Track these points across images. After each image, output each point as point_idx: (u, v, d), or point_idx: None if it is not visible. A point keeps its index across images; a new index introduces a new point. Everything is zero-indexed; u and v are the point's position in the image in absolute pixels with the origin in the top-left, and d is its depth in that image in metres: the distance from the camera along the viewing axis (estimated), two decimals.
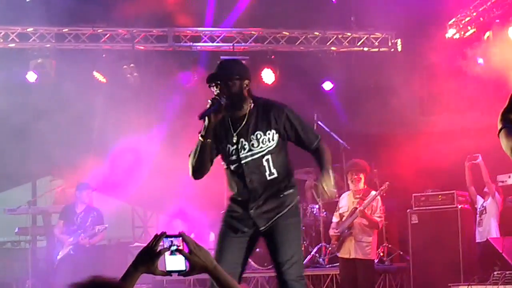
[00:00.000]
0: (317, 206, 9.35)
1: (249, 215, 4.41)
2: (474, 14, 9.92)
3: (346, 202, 7.98)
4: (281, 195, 4.42)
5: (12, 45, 10.52)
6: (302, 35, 11.01)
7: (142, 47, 10.87)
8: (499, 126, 3.04)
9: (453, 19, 10.18)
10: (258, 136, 4.36)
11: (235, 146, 4.38)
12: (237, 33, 10.99)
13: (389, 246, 9.32)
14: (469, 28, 10.09)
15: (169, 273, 2.46)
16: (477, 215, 8.39)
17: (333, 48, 11.08)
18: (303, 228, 8.52)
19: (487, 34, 9.42)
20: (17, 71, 10.39)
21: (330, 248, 8.68)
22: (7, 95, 9.93)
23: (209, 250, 2.55)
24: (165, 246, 2.45)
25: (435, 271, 8.14)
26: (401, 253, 9.32)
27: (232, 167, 4.44)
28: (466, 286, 7.32)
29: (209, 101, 4.23)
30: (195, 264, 2.43)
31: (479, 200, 8.44)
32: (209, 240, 10.02)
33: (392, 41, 11.18)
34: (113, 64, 10.53)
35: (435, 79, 10.06)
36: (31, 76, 10.28)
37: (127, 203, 11.96)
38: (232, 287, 2.48)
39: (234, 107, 4.35)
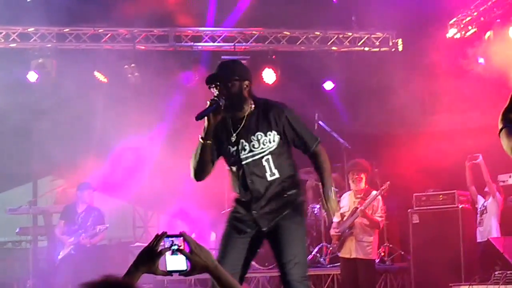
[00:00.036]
0: (318, 206, 9.34)
1: (252, 216, 4.40)
2: (475, 13, 9.92)
3: (347, 201, 7.97)
4: (285, 195, 4.39)
5: (13, 45, 10.51)
6: (303, 35, 11.00)
7: (143, 47, 10.86)
8: (500, 125, 3.04)
9: (454, 19, 10.18)
10: (259, 137, 4.34)
11: (235, 147, 4.37)
12: (238, 33, 10.98)
13: (390, 246, 9.33)
14: (470, 27, 10.09)
15: (170, 273, 2.46)
16: (478, 215, 8.38)
17: (334, 48, 11.07)
18: None
19: (488, 33, 9.42)
20: (18, 71, 10.37)
21: (331, 248, 8.69)
22: (8, 95, 9.93)
23: (210, 250, 2.55)
24: (166, 246, 2.45)
25: (436, 270, 8.14)
26: (402, 253, 9.33)
27: (233, 168, 4.43)
28: (467, 286, 7.31)
29: (208, 102, 4.21)
30: (196, 264, 2.43)
31: (480, 200, 8.43)
32: (210, 240, 10.02)
33: (393, 41, 11.17)
34: (114, 64, 10.52)
35: (436, 78, 10.05)
36: (32, 76, 10.27)
37: (128, 203, 11.96)
38: (233, 287, 2.48)
39: (233, 108, 4.32)
